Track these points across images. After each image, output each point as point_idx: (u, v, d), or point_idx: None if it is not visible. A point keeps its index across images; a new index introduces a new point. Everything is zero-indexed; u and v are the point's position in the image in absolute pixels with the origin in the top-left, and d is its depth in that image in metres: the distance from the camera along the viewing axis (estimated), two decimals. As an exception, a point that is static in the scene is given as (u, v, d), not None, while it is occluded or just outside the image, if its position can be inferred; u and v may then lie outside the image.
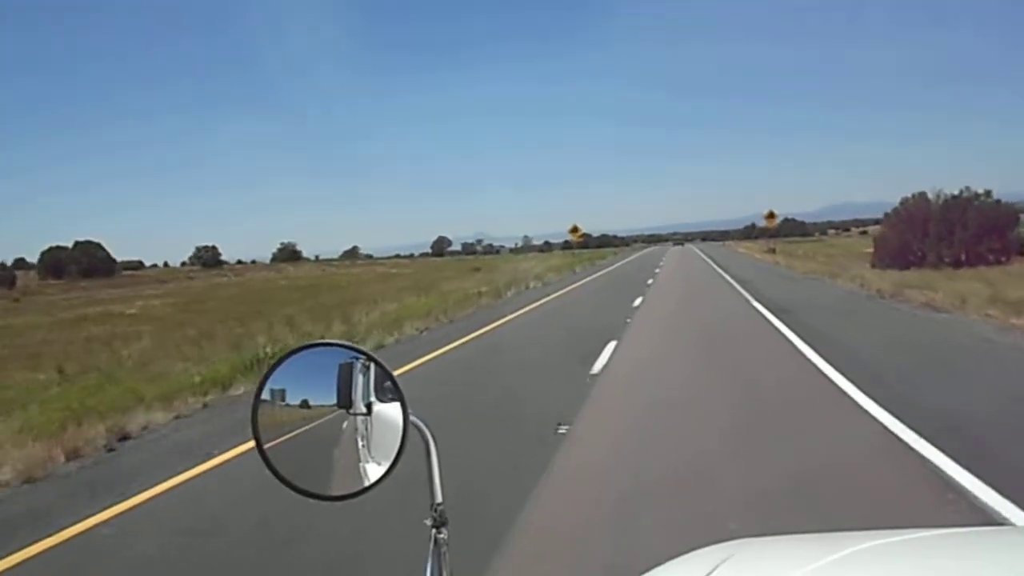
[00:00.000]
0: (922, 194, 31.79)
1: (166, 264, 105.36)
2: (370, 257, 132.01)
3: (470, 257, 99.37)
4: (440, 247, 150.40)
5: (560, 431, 6.45)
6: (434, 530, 1.22)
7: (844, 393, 7.30)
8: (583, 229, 53.52)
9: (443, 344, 13.03)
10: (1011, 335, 10.36)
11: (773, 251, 49.47)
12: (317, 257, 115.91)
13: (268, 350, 10.73)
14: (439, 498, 1.24)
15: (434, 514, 1.23)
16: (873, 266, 32.19)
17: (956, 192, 30.50)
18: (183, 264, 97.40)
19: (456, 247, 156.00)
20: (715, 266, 39.53)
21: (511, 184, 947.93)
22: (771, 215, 49.90)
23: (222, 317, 23.94)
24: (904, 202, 32.01)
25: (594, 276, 38.39)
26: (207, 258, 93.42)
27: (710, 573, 1.04)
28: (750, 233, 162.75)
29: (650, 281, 29.39)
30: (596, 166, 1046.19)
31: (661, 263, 48.60)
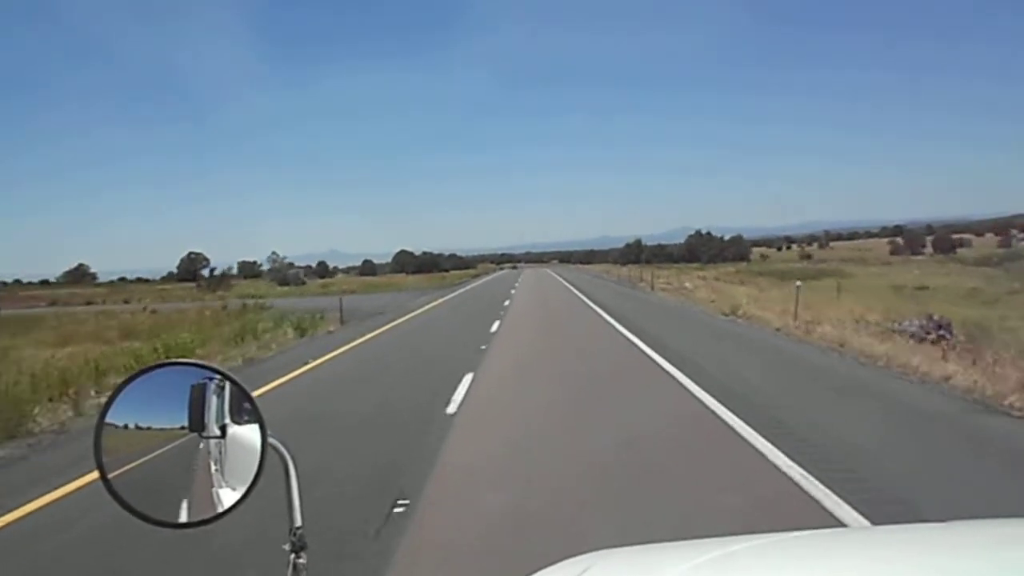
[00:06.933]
0: None
1: None
2: (94, 280, 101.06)
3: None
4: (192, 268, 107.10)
5: None
6: (293, 555, 1.17)
7: None
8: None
9: None
10: None
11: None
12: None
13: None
14: (298, 522, 1.18)
15: (293, 538, 1.17)
16: None
17: None
18: None
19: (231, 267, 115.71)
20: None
21: (359, 198, 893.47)
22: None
23: None
24: None
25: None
26: None
27: None
28: (635, 254, 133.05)
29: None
30: (440, 182, 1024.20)
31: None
